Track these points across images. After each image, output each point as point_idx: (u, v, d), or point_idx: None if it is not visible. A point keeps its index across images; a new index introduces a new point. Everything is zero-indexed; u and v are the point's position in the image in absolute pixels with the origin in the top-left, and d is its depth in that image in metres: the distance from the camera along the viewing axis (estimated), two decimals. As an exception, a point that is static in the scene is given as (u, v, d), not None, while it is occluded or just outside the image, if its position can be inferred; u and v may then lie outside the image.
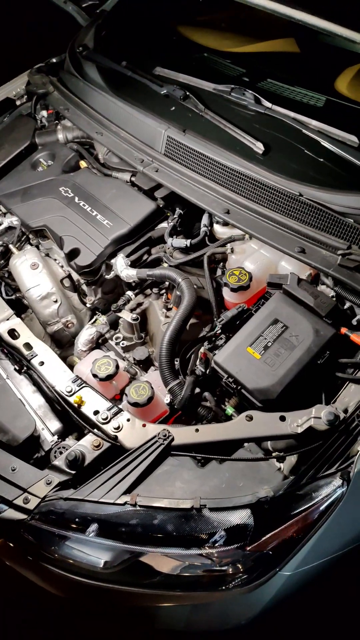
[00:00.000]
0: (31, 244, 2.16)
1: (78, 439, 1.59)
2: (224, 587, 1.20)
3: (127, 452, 1.36)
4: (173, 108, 2.05)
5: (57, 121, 2.43)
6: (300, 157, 1.72)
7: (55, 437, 1.56)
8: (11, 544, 1.43)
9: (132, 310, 1.86)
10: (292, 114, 1.78)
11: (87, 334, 1.89)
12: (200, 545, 1.19)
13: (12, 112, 2.60)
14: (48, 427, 1.60)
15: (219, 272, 1.78)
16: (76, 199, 1.97)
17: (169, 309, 1.79)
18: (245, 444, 1.38)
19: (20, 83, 2.66)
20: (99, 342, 1.91)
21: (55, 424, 1.61)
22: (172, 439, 1.37)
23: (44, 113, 2.50)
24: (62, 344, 1.98)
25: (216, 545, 1.18)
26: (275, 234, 1.62)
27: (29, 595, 1.46)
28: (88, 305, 1.96)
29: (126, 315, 1.80)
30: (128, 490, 1.29)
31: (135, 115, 2.01)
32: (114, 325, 1.95)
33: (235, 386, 1.44)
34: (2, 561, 1.44)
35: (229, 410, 1.50)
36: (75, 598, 1.37)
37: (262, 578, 1.20)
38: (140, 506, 1.25)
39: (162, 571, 1.23)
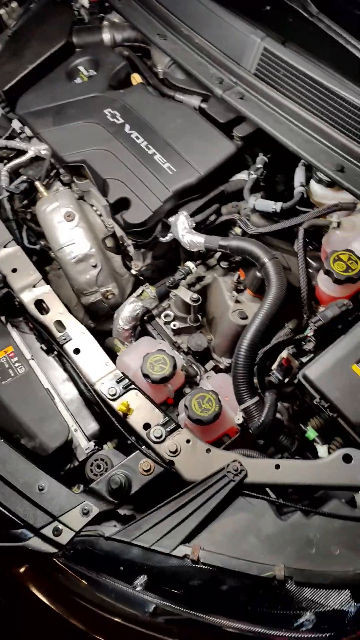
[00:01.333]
0: (62, 182, 1.86)
1: (118, 447, 1.42)
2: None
3: (187, 487, 1.17)
4: (268, 7, 1.64)
5: (102, 14, 2.02)
6: None
7: (92, 443, 1.39)
8: (37, 571, 1.29)
9: (190, 286, 1.59)
10: None
11: (130, 309, 1.65)
12: (280, 625, 1.02)
13: (41, -4, 2.18)
14: (82, 428, 1.43)
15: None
16: (127, 128, 1.64)
17: (239, 291, 1.53)
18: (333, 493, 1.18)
19: None
20: (143, 319, 1.68)
21: (91, 425, 1.44)
22: (246, 475, 1.17)
23: (85, 1, 2.09)
24: (98, 316, 1.75)
25: (302, 630, 1.02)
26: None
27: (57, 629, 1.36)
28: (133, 271, 1.70)
29: (184, 294, 1.54)
30: (187, 539, 1.12)
31: (218, 13, 1.61)
32: (162, 297, 1.70)
33: (331, 413, 1.21)
34: (28, 589, 1.32)
35: (311, 434, 1.29)
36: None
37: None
38: (203, 564, 1.08)
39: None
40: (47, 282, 1.86)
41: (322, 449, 1.27)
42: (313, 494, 1.21)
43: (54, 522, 1.19)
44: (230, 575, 1.07)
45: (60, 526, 1.19)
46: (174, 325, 1.64)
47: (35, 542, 1.20)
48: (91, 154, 1.63)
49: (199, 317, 1.62)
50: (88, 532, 1.18)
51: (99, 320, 1.76)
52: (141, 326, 1.70)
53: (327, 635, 1.01)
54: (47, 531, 1.19)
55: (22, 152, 1.87)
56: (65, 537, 1.18)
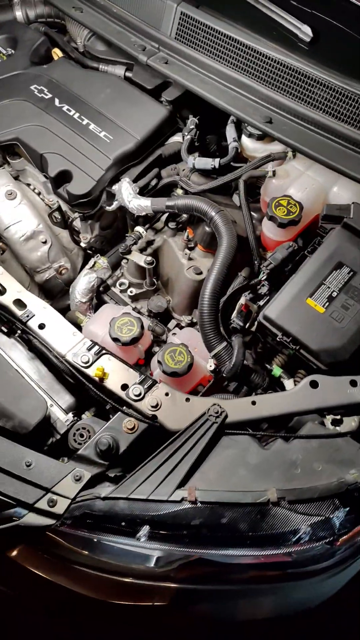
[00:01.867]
0: (-6, 164, 1.67)
1: (97, 414, 1.32)
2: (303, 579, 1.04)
3: (173, 436, 1.11)
4: (178, -27, 1.53)
5: (10, -9, 1.81)
6: None
7: (70, 415, 1.27)
8: (33, 549, 1.18)
9: (142, 251, 1.50)
10: (349, -15, 1.35)
11: (85, 281, 1.53)
12: (280, 544, 1.00)
13: None
14: (58, 403, 1.31)
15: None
16: (56, 102, 1.48)
17: (191, 248, 1.45)
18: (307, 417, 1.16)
19: None
20: (99, 291, 1.56)
21: (66, 399, 1.31)
22: (226, 416, 1.12)
23: (-10, -22, 1.85)
24: (54, 294, 1.61)
25: (300, 542, 1.00)
26: (334, 151, 1.28)
27: (62, 601, 1.26)
28: (82, 244, 1.57)
29: (138, 258, 1.44)
30: (182, 483, 1.05)
31: (131, -19, 1.48)
32: (114, 267, 1.60)
33: (294, 346, 1.18)
34: (24, 568, 1.20)
35: (277, 371, 1.27)
36: (123, 600, 1.18)
37: (346, 564, 1.06)
38: (201, 502, 1.02)
39: (232, 570, 1.04)
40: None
41: (288, 383, 1.25)
42: (287, 425, 1.19)
43: (47, 494, 1.08)
44: (228, 507, 1.03)
45: (55, 497, 1.08)
46: (131, 292, 1.54)
47: (30, 518, 1.08)
48: (24, 131, 1.46)
49: (154, 280, 1.54)
50: (84, 497, 1.09)
51: (54, 298, 1.61)
52: (97, 298, 1.59)
53: (326, 541, 1.00)
54: (42, 504, 1.07)
55: None
56: (61, 507, 1.07)
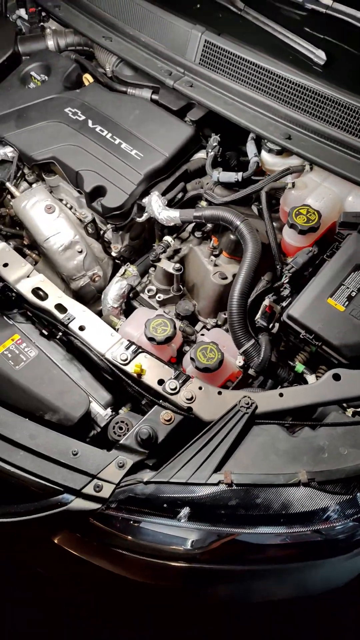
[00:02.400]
0: (28, 182, 1.79)
1: (133, 409, 1.41)
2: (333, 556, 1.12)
3: (208, 425, 1.20)
4: (198, 5, 1.67)
5: (42, 23, 1.96)
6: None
7: (109, 410, 1.37)
8: (77, 534, 1.27)
9: (169, 259, 1.61)
10: (359, 14, 1.47)
11: (117, 287, 1.63)
12: (312, 521, 1.08)
13: (-25, 10, 2.06)
14: (97, 399, 1.40)
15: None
16: (90, 123, 1.61)
17: (216, 255, 1.56)
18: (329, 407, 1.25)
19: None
20: (129, 297, 1.67)
21: (104, 395, 1.41)
22: (256, 407, 1.22)
23: (22, 12, 2.00)
24: (87, 300, 1.72)
25: (329, 520, 1.08)
26: (349, 163, 1.39)
27: (106, 583, 1.34)
28: (113, 253, 1.68)
29: (167, 265, 1.55)
30: (218, 468, 1.14)
31: (157, 13, 1.62)
32: (142, 274, 1.70)
33: (317, 342, 1.28)
34: (67, 552, 1.29)
35: (299, 367, 1.36)
36: (162, 583, 1.26)
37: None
38: (237, 485, 1.11)
39: (266, 549, 1.12)
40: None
41: (311, 378, 1.34)
42: (312, 416, 1.28)
43: (93, 480, 1.17)
44: (262, 488, 1.11)
45: (100, 483, 1.17)
46: (159, 298, 1.65)
47: (78, 503, 1.17)
48: (60, 150, 1.58)
49: (181, 286, 1.64)
50: (127, 482, 1.18)
51: (87, 303, 1.71)
52: (126, 304, 1.69)
53: (353, 517, 1.08)
54: (89, 490, 1.16)
55: (-12, 158, 1.78)
56: (107, 491, 1.16)
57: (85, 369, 1.44)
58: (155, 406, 1.26)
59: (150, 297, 1.66)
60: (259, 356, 1.27)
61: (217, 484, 1.12)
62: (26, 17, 1.96)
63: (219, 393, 1.26)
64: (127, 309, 1.69)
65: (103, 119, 1.61)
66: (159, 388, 1.27)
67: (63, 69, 1.74)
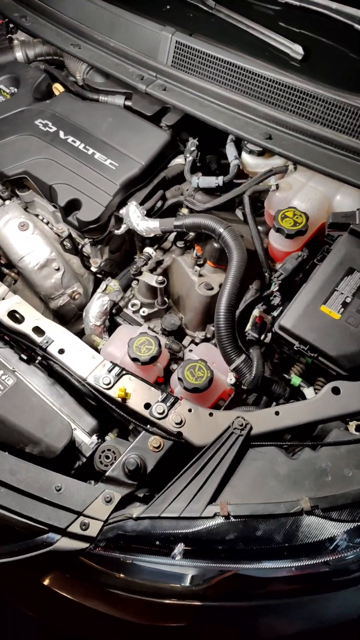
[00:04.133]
0: (2, 198, 1.68)
1: (121, 434, 1.30)
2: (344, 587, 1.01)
3: (200, 451, 1.09)
4: (168, 7, 1.57)
5: (9, 35, 1.86)
6: (350, 63, 1.35)
7: (94, 437, 1.26)
8: (66, 574, 1.15)
9: (152, 271, 1.50)
10: (334, 5, 1.38)
11: (99, 304, 1.53)
12: (319, 553, 0.97)
13: None
14: (81, 426, 1.29)
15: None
16: (61, 134, 1.51)
17: (201, 265, 1.46)
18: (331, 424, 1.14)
19: None
20: (112, 313, 1.56)
21: (88, 421, 1.30)
22: (251, 428, 1.11)
23: (-11, 24, 1.91)
24: (68, 319, 1.61)
25: (337, 550, 0.97)
26: (334, 161, 1.29)
27: (101, 626, 1.22)
28: (93, 268, 1.58)
29: (150, 279, 1.45)
30: (213, 499, 1.03)
31: (125, 17, 1.52)
32: (124, 289, 1.60)
33: (312, 354, 1.17)
34: (56, 593, 1.17)
35: (295, 380, 1.25)
36: (160, 623, 1.14)
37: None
38: (234, 517, 1.00)
39: (272, 583, 1.01)
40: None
41: (309, 391, 1.23)
42: (312, 433, 1.17)
43: (79, 518, 1.06)
44: (262, 519, 1.00)
45: (87, 520, 1.06)
46: (143, 312, 1.54)
47: (64, 543, 1.06)
48: (32, 164, 1.48)
49: (166, 299, 1.54)
50: (116, 518, 1.07)
51: (68, 322, 1.61)
52: (110, 320, 1.58)
53: (361, 548, 0.97)
54: (75, 528, 1.05)
55: None
56: (94, 529, 1.05)
57: (67, 394, 1.33)
58: (143, 432, 1.16)
59: (134, 312, 1.56)
60: (251, 372, 1.16)
61: (212, 517, 1.01)
62: (-7, 29, 1.87)
63: (210, 414, 1.15)
64: (112, 326, 1.59)
65: (75, 129, 1.51)
66: (145, 413, 1.16)
67: (32, 80, 1.64)
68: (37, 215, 1.65)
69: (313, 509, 0.98)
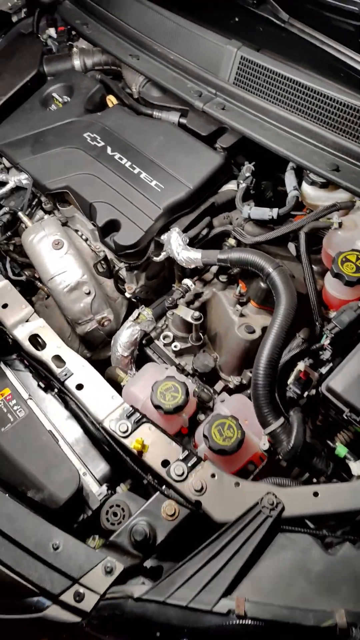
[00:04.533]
0: (45, 211, 1.63)
1: (133, 487, 1.17)
2: None
3: (219, 529, 0.94)
4: (237, 19, 1.46)
5: (70, 42, 1.83)
6: None
7: (104, 487, 1.14)
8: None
9: (189, 304, 1.38)
10: None
11: (128, 334, 1.42)
12: None
13: (7, 31, 1.96)
14: (91, 471, 1.18)
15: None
16: (109, 150, 1.43)
17: (243, 304, 1.32)
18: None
19: (17, -11, 1.99)
20: (142, 344, 1.45)
21: (101, 467, 1.19)
22: (283, 508, 0.95)
23: (52, 31, 1.89)
24: (95, 345, 1.51)
25: None
26: None
27: None
28: (127, 294, 1.47)
29: (185, 313, 1.32)
30: (229, 590, 0.88)
31: (189, 28, 1.43)
32: (158, 317, 1.48)
33: (364, 427, 1.00)
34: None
35: (341, 450, 1.07)
36: None
37: None
38: (252, 618, 0.84)
39: None
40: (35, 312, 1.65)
41: (356, 466, 1.05)
42: (356, 519, 0.99)
43: (74, 586, 0.94)
44: (285, 628, 0.84)
45: (82, 589, 0.94)
46: (175, 347, 1.42)
47: (54, 611, 0.94)
48: (75, 179, 1.41)
49: (201, 335, 1.40)
50: (114, 594, 0.94)
51: (95, 349, 1.52)
52: (139, 350, 1.47)
53: None
54: (68, 597, 0.94)
55: (2, 184, 1.64)
56: (88, 602, 0.93)
57: (83, 432, 1.23)
58: (157, 494, 1.02)
59: (165, 345, 1.43)
60: (289, 441, 1.00)
61: (226, 614, 0.86)
62: (55, 35, 1.83)
63: (237, 485, 1.00)
64: (141, 357, 1.47)
65: (123, 145, 1.42)
66: (162, 471, 1.03)
67: (86, 90, 1.58)
68: (76, 231, 1.58)
69: (350, 628, 0.81)
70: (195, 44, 1.42)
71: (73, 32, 1.81)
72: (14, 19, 1.99)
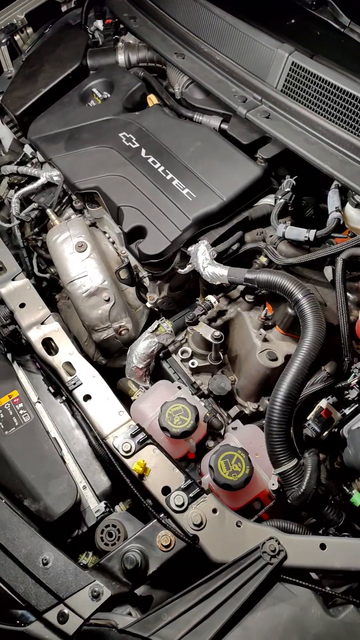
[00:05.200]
0: (75, 209, 1.63)
1: (132, 510, 1.17)
2: None
3: (215, 569, 0.92)
4: (293, 20, 1.41)
5: (117, 36, 1.82)
6: None
7: (102, 504, 1.14)
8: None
9: (211, 321, 1.35)
10: None
11: (145, 345, 1.41)
12: None
13: (55, 21, 1.98)
14: (92, 484, 1.18)
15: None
16: (143, 152, 1.42)
17: (267, 328, 1.28)
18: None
19: (68, -23, 2.00)
20: (159, 357, 1.43)
21: (102, 481, 1.19)
22: (285, 556, 0.91)
23: (99, 23, 1.90)
24: (111, 353, 1.51)
25: None
26: None
27: None
28: (148, 304, 1.46)
29: (205, 331, 1.30)
30: (217, 637, 0.86)
31: (240, 28, 1.39)
32: (179, 330, 1.46)
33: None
34: None
35: (357, 498, 1.03)
36: None
37: None
38: (238, 673, 0.82)
39: None
40: (57, 310, 1.66)
41: (371, 518, 1.01)
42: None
43: (59, 605, 0.95)
44: None
45: (67, 610, 0.94)
46: (193, 364, 1.39)
47: (37, 628, 0.95)
48: (105, 181, 1.40)
49: (221, 354, 1.37)
50: (98, 620, 0.93)
51: (111, 357, 1.52)
52: (155, 363, 1.45)
53: None
54: (52, 616, 0.94)
55: (34, 179, 1.66)
56: (72, 625, 0.93)
57: (88, 443, 1.23)
58: (154, 521, 1.01)
59: (183, 360, 1.41)
60: (300, 486, 0.96)
61: (211, 663, 0.83)
62: (101, 28, 1.83)
63: (238, 524, 0.97)
64: (157, 370, 1.46)
65: (158, 148, 1.41)
66: (162, 499, 1.01)
67: (126, 88, 1.58)
68: (104, 233, 1.58)
69: None
70: (245, 46, 1.38)
71: (121, 26, 1.81)
72: (64, 8, 2.01)
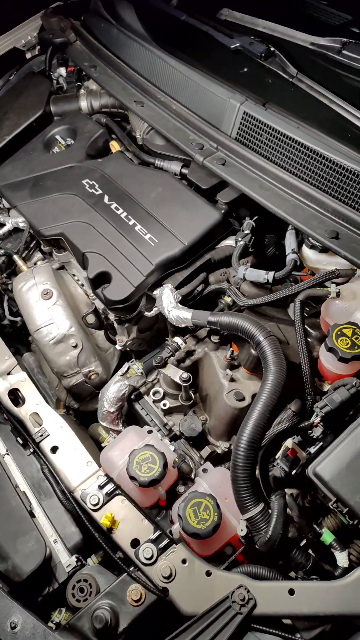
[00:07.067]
0: (43, 252, 1.68)
1: (104, 562, 1.17)
2: None
3: (185, 622, 0.93)
4: (246, 69, 1.51)
5: (79, 83, 1.91)
6: None
7: (74, 558, 1.15)
8: None
9: (180, 362, 1.39)
10: None
11: (116, 389, 1.44)
12: None
13: (20, 68, 2.07)
14: (63, 538, 1.18)
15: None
16: (106, 199, 1.48)
17: (234, 367, 1.32)
18: None
19: (31, 28, 2.11)
20: (131, 399, 1.46)
21: (73, 534, 1.20)
22: (255, 605, 0.93)
23: (62, 71, 1.99)
24: (82, 397, 1.53)
25: None
26: None
27: None
28: (117, 346, 1.50)
29: (173, 373, 1.34)
30: None
31: (193, 78, 1.48)
32: (150, 370, 1.49)
33: (350, 521, 0.98)
34: None
35: (327, 537, 1.05)
36: None
37: None
38: None
39: None
40: (31, 351, 1.67)
41: (341, 557, 1.04)
42: (335, 627, 0.96)
43: (28, 672, 0.95)
44: None
45: None
46: (164, 405, 1.42)
47: None
48: (70, 227, 1.46)
49: (192, 394, 1.41)
50: None
51: (83, 400, 1.54)
52: (128, 404, 1.48)
53: None
54: None
55: (0, 225, 1.70)
56: None
57: (58, 493, 1.24)
58: (124, 575, 1.02)
59: (155, 401, 1.44)
60: (267, 530, 0.99)
61: None
62: (65, 75, 1.92)
63: (208, 574, 0.99)
64: (130, 413, 1.48)
65: (121, 194, 1.47)
66: (130, 552, 1.03)
67: (89, 135, 1.65)
68: (73, 276, 1.62)
69: None
70: (199, 96, 1.47)
71: (83, 73, 1.90)
72: (28, 55, 2.10)
